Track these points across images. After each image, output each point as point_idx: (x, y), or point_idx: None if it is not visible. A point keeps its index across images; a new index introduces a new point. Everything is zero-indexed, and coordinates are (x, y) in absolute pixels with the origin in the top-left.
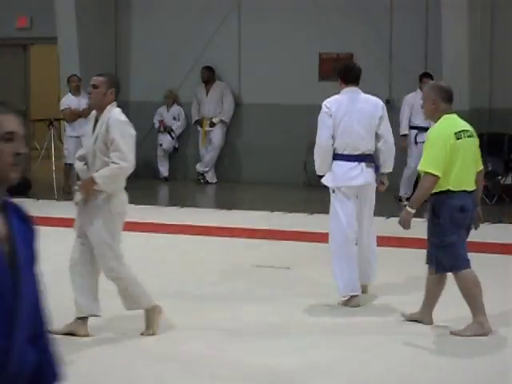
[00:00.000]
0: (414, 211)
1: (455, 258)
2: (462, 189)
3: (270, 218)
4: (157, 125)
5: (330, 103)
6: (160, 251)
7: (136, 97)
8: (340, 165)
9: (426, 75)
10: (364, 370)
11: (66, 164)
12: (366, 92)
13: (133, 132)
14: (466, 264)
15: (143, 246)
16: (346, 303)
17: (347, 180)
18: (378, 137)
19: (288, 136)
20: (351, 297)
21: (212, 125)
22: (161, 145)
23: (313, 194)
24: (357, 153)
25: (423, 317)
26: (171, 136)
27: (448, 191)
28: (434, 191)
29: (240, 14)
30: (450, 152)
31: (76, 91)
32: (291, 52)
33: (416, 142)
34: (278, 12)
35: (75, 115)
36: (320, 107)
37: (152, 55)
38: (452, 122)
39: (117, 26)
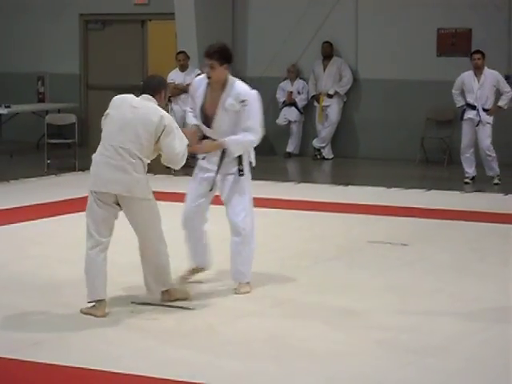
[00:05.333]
0: None
1: None
2: None
3: (386, 194)
4: (281, 99)
5: None
6: (276, 227)
7: (253, 72)
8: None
9: None
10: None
11: None
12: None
13: None
14: None
15: (260, 221)
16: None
17: None
18: None
19: (405, 112)
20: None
21: (329, 96)
22: (286, 119)
23: (430, 171)
24: None
25: None
26: (299, 110)
27: None
28: None
29: None
30: None
31: (182, 68)
32: (409, 27)
33: None
34: None
35: (178, 90)
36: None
37: (269, 31)
38: None
39: (234, 2)
